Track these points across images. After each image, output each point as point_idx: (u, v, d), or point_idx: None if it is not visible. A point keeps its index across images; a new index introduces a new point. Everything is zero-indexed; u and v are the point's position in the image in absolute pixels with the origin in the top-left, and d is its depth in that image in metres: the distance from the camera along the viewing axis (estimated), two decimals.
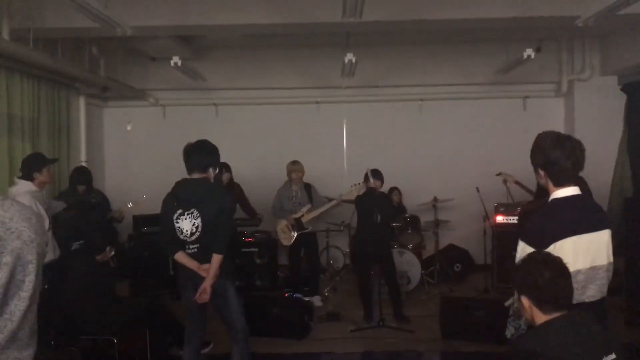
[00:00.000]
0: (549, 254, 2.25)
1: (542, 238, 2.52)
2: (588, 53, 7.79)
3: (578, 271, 2.41)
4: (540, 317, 2.16)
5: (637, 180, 7.37)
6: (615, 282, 4.18)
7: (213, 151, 3.76)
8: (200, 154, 3.69)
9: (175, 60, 6.19)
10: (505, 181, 6.31)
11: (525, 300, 2.20)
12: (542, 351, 2.03)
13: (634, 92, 7.39)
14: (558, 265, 2.19)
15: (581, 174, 3.78)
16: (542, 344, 2.05)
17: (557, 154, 2.53)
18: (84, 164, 7.00)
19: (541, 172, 2.62)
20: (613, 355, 2.03)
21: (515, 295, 2.30)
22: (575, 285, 2.43)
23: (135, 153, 8.50)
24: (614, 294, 5.25)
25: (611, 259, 2.59)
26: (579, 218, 2.53)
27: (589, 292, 2.50)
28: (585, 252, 2.38)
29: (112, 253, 4.50)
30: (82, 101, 7.35)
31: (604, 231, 2.56)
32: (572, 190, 2.58)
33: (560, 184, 2.59)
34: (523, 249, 2.57)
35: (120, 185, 8.10)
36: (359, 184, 6.05)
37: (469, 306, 5.14)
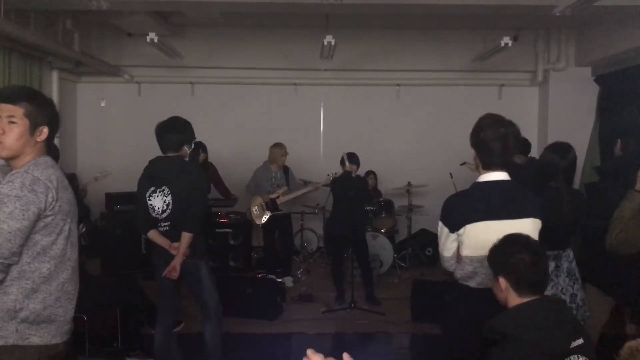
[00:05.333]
0: (528, 237, 2.27)
1: (453, 220, 2.55)
2: (564, 43, 7.87)
3: (486, 256, 2.41)
4: (515, 300, 2.20)
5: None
6: None
7: (185, 129, 3.70)
8: (172, 133, 3.64)
9: (152, 36, 6.06)
10: (477, 166, 6.36)
11: (502, 281, 2.23)
12: (514, 333, 2.08)
13: (606, 83, 7.49)
14: (536, 249, 2.23)
15: None
16: (515, 327, 2.10)
17: (487, 135, 2.51)
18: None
19: (473, 153, 2.62)
20: (581, 340, 2.08)
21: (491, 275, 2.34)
22: (483, 271, 2.49)
23: (110, 130, 8.38)
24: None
25: None
26: (495, 203, 2.50)
27: None
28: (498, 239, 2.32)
29: (84, 230, 4.45)
30: (54, 76, 7.18)
31: (526, 219, 2.51)
32: (497, 176, 2.55)
33: (487, 167, 2.57)
34: (441, 229, 2.63)
35: (93, 161, 7.98)
36: (336, 173, 6.06)
37: (439, 290, 5.20)
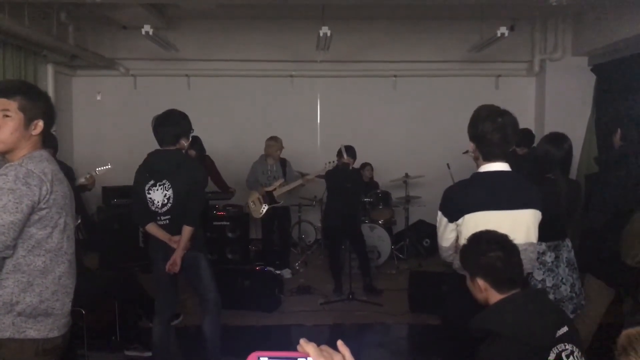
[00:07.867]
0: (496, 232, 2.25)
1: (452, 209, 2.54)
2: (560, 33, 7.85)
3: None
4: (496, 297, 2.18)
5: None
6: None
7: (180, 121, 3.67)
8: (167, 126, 3.61)
9: (147, 29, 6.03)
10: (477, 158, 6.35)
11: (481, 282, 2.20)
12: (498, 330, 2.07)
13: (603, 73, 7.49)
14: (507, 243, 2.20)
15: None
16: (498, 323, 2.08)
17: (485, 126, 2.51)
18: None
19: (472, 145, 2.62)
20: (565, 328, 2.08)
21: (467, 277, 2.32)
22: None
23: (106, 123, 8.34)
24: None
25: (532, 240, 2.54)
26: (495, 194, 2.50)
27: None
28: (497, 229, 2.30)
29: (79, 221, 4.41)
30: (50, 69, 7.15)
31: (525, 210, 2.51)
32: (498, 166, 2.55)
33: (487, 158, 2.57)
34: (440, 219, 2.62)
35: (89, 155, 7.96)
36: (333, 162, 6.06)
37: (437, 280, 5.22)
